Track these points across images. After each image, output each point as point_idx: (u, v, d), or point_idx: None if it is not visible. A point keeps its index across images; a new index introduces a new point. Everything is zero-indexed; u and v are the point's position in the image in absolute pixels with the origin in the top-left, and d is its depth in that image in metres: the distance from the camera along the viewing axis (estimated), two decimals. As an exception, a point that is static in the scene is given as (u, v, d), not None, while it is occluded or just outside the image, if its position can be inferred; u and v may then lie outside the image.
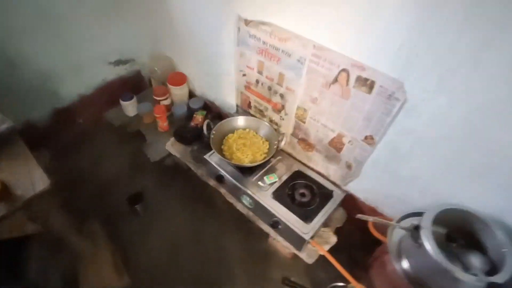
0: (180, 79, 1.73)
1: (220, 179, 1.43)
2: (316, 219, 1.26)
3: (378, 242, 1.35)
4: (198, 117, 1.72)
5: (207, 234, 1.47)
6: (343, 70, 1.04)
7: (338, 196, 1.35)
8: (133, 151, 1.71)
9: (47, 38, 1.48)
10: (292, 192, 1.36)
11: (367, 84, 1.00)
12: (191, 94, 1.83)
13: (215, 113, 1.75)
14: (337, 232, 1.35)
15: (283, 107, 1.35)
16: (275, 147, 1.39)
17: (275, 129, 1.46)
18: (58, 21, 1.48)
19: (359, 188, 1.34)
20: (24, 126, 1.63)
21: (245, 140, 1.47)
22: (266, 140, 1.49)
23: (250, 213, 1.41)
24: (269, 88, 1.35)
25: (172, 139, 1.67)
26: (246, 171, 1.40)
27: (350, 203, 1.37)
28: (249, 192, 1.34)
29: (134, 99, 1.77)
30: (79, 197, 1.53)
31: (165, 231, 1.47)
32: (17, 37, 1.40)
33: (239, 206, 1.45)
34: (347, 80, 1.05)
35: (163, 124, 1.70)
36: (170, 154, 1.64)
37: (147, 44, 1.84)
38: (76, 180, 1.59)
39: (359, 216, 1.00)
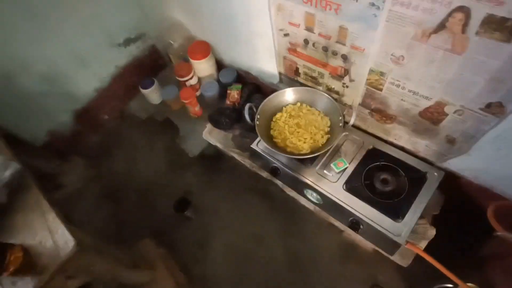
0: (203, 49, 1.38)
1: (274, 172, 1.17)
2: (410, 214, 0.97)
3: (490, 230, 1.04)
4: (233, 93, 1.40)
5: (270, 234, 1.28)
6: (459, 9, 0.63)
7: (434, 178, 1.02)
8: (168, 146, 1.49)
9: (35, 36, 1.20)
10: (371, 179, 1.06)
11: (505, 27, 0.60)
12: (220, 65, 1.49)
13: (253, 86, 1.42)
14: (434, 221, 1.06)
15: (346, 71, 0.98)
16: (340, 124, 1.06)
17: (336, 100, 1.11)
18: (43, 12, 1.18)
19: (466, 167, 0.99)
20: (50, 138, 1.47)
21: (298, 118, 1.15)
22: (326, 115, 1.16)
23: (318, 209, 1.16)
24: (325, 49, 0.97)
25: (209, 125, 1.41)
26: (307, 159, 1.11)
27: (449, 182, 1.04)
28: (314, 185, 1.07)
29: (156, 84, 1.48)
30: (123, 209, 1.40)
31: (223, 235, 1.30)
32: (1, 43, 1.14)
33: (302, 200, 1.20)
34: (465, 25, 0.64)
35: (194, 109, 1.42)
36: (210, 144, 1.39)
37: (153, 10, 1.48)
38: (115, 189, 1.45)
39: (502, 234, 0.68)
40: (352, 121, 1.01)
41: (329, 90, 1.12)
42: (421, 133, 0.98)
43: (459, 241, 1.07)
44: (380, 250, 1.04)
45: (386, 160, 1.09)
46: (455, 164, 1.01)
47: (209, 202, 1.38)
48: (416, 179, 1.03)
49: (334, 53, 0.95)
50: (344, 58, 0.94)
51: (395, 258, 1.02)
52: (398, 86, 0.88)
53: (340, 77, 1.02)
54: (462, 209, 1.11)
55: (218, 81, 1.45)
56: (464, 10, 0.62)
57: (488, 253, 1.02)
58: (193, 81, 1.44)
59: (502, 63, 0.66)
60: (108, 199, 1.43)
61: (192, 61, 1.40)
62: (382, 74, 0.88)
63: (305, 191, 1.13)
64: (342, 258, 1.17)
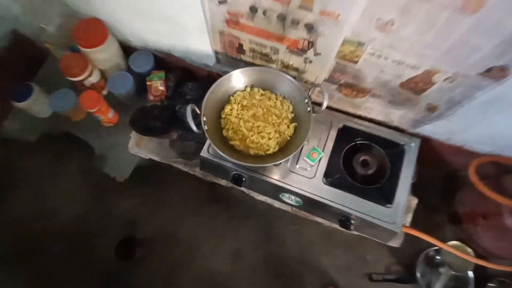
0: (97, 31, 0.97)
1: (238, 180, 0.94)
2: (399, 195, 0.88)
3: (467, 187, 1.04)
4: (156, 84, 1.06)
5: (246, 245, 1.09)
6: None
7: (412, 148, 0.93)
8: (84, 171, 1.11)
9: None
10: (350, 164, 0.93)
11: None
12: (127, 50, 1.10)
13: (181, 71, 1.09)
14: (413, 189, 1.01)
15: (310, 44, 0.76)
16: (308, 108, 0.86)
17: (295, 78, 0.89)
18: None
19: (440, 130, 0.92)
20: None
21: (254, 108, 0.91)
22: (285, 99, 0.94)
23: (301, 212, 1.00)
24: (281, 18, 0.71)
25: (133, 134, 1.06)
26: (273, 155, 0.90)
27: (421, 147, 0.97)
28: (290, 187, 0.89)
29: (36, 92, 1.02)
30: (43, 268, 1.02)
31: (192, 263, 1.07)
32: None
33: (277, 204, 1.02)
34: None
35: (107, 116, 1.04)
36: (143, 158, 1.06)
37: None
38: (25, 243, 1.05)
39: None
40: (325, 103, 0.81)
41: (286, 67, 0.89)
42: (398, 104, 0.86)
43: (438, 203, 1.06)
44: (374, 239, 0.96)
45: (361, 137, 0.96)
46: (428, 129, 0.93)
47: (162, 227, 1.10)
48: (395, 153, 0.94)
49: (295, 23, 0.70)
50: (309, 28, 0.70)
51: (389, 242, 0.96)
52: (379, 57, 0.71)
53: (301, 52, 0.79)
54: (434, 171, 1.08)
55: (130, 71, 1.07)
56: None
57: (468, 210, 1.03)
58: (94, 78, 1.03)
59: (524, 20, 0.52)
60: (19, 260, 1.03)
61: (84, 50, 0.98)
62: (360, 44, 0.69)
63: (280, 195, 0.95)
64: (328, 249, 1.08)
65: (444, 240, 1.03)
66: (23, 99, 0.99)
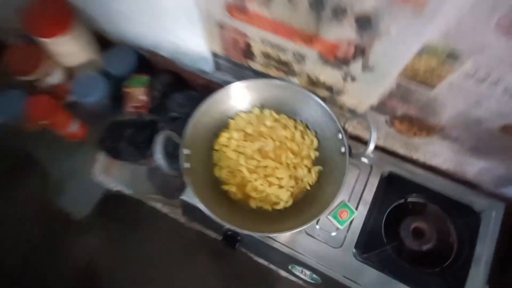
0: (58, 13, 0.71)
1: (231, 240, 0.65)
2: (470, 285, 0.57)
3: None
4: (136, 93, 0.80)
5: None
6: None
7: (492, 217, 0.62)
8: (36, 201, 0.84)
9: None
10: (396, 232, 0.63)
11: None
12: (104, 44, 0.83)
13: (170, 76, 0.82)
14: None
15: (359, 51, 0.46)
16: (341, 148, 0.57)
17: (325, 100, 0.60)
18: None
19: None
20: None
21: (263, 140, 0.62)
22: (308, 129, 0.65)
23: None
24: (316, 4, 0.42)
25: (102, 157, 0.80)
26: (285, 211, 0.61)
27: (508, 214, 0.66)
28: (304, 259, 0.60)
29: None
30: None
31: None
32: None
33: (284, 273, 0.73)
34: None
35: (66, 130, 0.78)
36: (109, 190, 0.79)
37: None
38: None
39: None
40: (372, 145, 0.51)
41: (313, 84, 0.60)
42: (486, 153, 0.55)
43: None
44: None
45: (415, 193, 0.65)
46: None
47: (132, 282, 0.82)
48: (466, 223, 0.63)
49: (338, 12, 0.42)
50: (363, 22, 0.41)
51: None
52: (482, 81, 0.41)
53: (342, 62, 0.50)
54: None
55: (105, 72, 0.81)
56: None
57: None
58: (54, 79, 0.78)
59: None
60: None
61: (43, 40, 0.72)
62: (453, 56, 0.39)
63: (289, 267, 0.66)
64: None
65: None
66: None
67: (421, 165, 0.67)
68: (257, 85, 0.62)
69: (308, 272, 0.63)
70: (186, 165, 0.55)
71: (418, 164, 0.67)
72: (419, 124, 0.56)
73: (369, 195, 0.65)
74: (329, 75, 0.55)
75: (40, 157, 0.81)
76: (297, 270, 0.65)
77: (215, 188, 0.61)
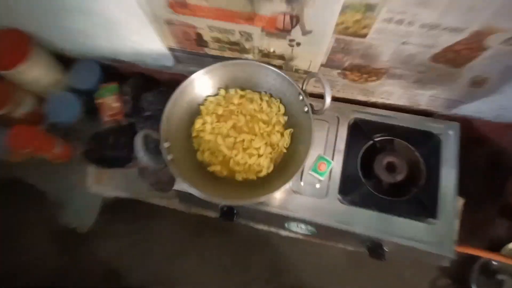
0: (15, 43, 0.73)
1: (229, 214, 0.72)
2: (443, 202, 0.66)
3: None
4: (108, 102, 0.83)
5: (255, 281, 0.89)
6: None
7: (450, 137, 0.70)
8: (42, 224, 0.90)
9: None
10: (371, 171, 0.70)
11: None
12: (64, 62, 0.85)
13: (138, 78, 0.85)
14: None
15: (295, 20, 0.51)
16: (304, 108, 0.63)
17: (281, 68, 0.66)
18: None
19: (486, 108, 0.68)
20: None
21: (234, 117, 0.68)
22: (273, 98, 0.70)
23: (315, 240, 0.79)
24: (244, -13, 0.47)
25: (91, 169, 0.84)
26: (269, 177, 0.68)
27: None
28: (296, 215, 0.67)
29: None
30: None
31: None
32: None
33: (284, 232, 0.81)
34: None
35: (52, 153, 0.82)
36: (107, 198, 0.85)
37: None
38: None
39: None
40: (328, 98, 0.57)
41: (267, 56, 0.65)
42: (429, 82, 0.62)
43: (484, 197, 0.83)
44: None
45: (380, 132, 0.72)
46: (469, 108, 0.69)
47: (153, 273, 0.90)
48: (429, 147, 0.70)
49: (266, -9, 0.46)
50: (289, -4, 0.46)
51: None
52: (400, 22, 0.46)
53: (284, 32, 0.55)
54: (476, 158, 0.85)
55: (74, 89, 0.84)
56: None
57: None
58: (25, 108, 0.80)
59: None
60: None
61: (5, 72, 0.74)
62: (369, 8, 0.44)
63: (286, 225, 0.73)
64: (356, 271, 0.87)
65: (499, 241, 0.83)
66: None
67: (381, 106, 0.73)
68: (216, 69, 0.67)
69: (303, 226, 0.71)
70: (169, 157, 0.60)
71: (378, 106, 0.73)
72: (366, 71, 0.62)
73: (341, 144, 0.72)
74: (277, 45, 0.60)
75: (34, 183, 0.85)
76: (293, 226, 0.72)
77: (201, 172, 0.66)
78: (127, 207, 0.86)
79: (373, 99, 0.73)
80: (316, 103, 0.63)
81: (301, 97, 0.63)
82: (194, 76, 0.65)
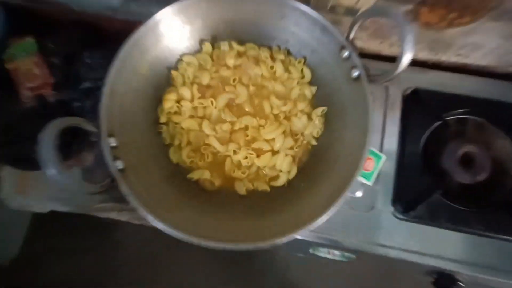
0: None
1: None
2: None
3: None
4: (26, 67, 0.53)
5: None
6: None
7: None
8: None
9: None
10: (436, 167, 0.46)
11: None
12: None
13: (72, 30, 0.54)
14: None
15: None
16: (355, 72, 0.36)
17: (308, 1, 0.38)
18: None
19: None
20: None
21: (229, 90, 0.40)
22: (291, 56, 0.43)
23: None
24: None
25: (8, 173, 0.55)
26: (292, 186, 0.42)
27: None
28: (326, 237, 0.44)
29: None
30: None
31: None
32: None
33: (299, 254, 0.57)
34: None
35: None
36: (38, 214, 0.57)
37: None
38: None
39: None
40: (406, 59, 0.31)
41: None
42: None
43: None
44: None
45: (452, 108, 0.48)
46: None
47: None
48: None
49: None
50: None
51: None
52: None
53: None
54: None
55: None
56: None
57: None
58: None
59: None
60: None
61: None
62: None
63: (311, 251, 0.49)
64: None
65: None
66: None
67: (453, 68, 0.48)
68: (196, 5, 0.38)
69: (337, 252, 0.47)
70: (118, 164, 0.33)
71: (449, 69, 0.48)
72: (463, 4, 0.35)
73: (393, 127, 0.47)
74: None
75: None
76: (323, 252, 0.49)
77: (177, 183, 0.40)
78: (70, 224, 0.58)
79: (443, 57, 0.47)
80: (372, 64, 0.37)
81: (345, 53, 0.36)
82: (157, 16, 0.37)
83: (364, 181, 0.44)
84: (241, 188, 0.40)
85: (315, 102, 0.42)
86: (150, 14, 0.37)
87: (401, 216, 0.44)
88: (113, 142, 0.34)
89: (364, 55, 0.45)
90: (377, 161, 0.45)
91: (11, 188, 0.55)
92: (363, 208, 0.44)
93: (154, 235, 0.65)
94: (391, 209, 0.44)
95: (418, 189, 0.44)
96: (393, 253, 0.43)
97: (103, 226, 0.67)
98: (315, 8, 0.37)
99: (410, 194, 0.44)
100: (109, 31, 0.57)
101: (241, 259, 0.69)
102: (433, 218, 0.44)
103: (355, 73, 0.36)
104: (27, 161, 0.54)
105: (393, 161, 0.46)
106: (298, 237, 0.43)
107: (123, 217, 0.57)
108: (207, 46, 0.42)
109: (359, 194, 0.45)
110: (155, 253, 0.69)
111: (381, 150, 0.46)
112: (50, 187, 0.57)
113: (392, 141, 0.46)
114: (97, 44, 0.55)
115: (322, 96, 0.42)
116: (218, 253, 0.69)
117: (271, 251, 0.60)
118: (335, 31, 0.36)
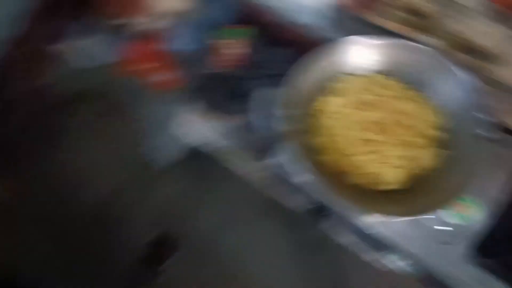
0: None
1: (319, 212, 0.60)
2: None
3: None
4: (233, 45, 0.75)
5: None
6: None
7: None
8: (123, 144, 0.89)
9: None
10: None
11: None
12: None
13: (269, 31, 0.75)
14: None
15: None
16: (478, 132, 0.46)
17: (473, 70, 0.49)
18: None
19: None
20: None
21: (380, 111, 0.54)
22: (434, 103, 0.55)
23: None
24: None
25: (196, 108, 0.78)
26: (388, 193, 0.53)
27: None
28: (403, 245, 0.53)
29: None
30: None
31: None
32: None
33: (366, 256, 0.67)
34: None
35: (157, 76, 0.78)
36: (191, 144, 0.79)
37: None
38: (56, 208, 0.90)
39: None
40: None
41: (456, 46, 0.49)
42: None
43: None
44: None
45: None
46: None
47: (203, 232, 0.85)
48: None
49: None
50: None
51: None
52: None
53: None
54: None
55: (202, 21, 0.77)
56: None
57: None
58: (147, 24, 0.76)
59: None
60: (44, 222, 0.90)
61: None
62: None
63: (384, 253, 0.59)
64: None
65: None
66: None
67: None
68: (383, 46, 0.53)
69: (403, 263, 0.56)
70: (286, 127, 0.50)
71: None
72: None
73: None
74: (487, 33, 0.43)
75: (127, 103, 0.83)
76: (390, 257, 0.58)
77: (309, 158, 0.55)
78: (206, 161, 0.79)
79: None
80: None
81: (480, 114, 0.47)
82: (351, 41, 0.53)
83: (455, 219, 0.52)
84: (354, 180, 0.52)
85: (438, 142, 0.52)
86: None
87: (476, 262, 0.50)
88: (287, 112, 0.51)
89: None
90: (475, 210, 0.52)
91: (186, 120, 0.77)
92: (446, 239, 0.52)
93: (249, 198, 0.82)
94: (471, 253, 0.51)
95: (502, 246, 0.49)
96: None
97: (217, 178, 0.87)
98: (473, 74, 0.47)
99: (493, 247, 0.50)
100: (292, 38, 0.77)
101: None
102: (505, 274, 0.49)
103: (480, 132, 0.45)
104: (213, 104, 0.76)
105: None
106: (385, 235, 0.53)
107: (240, 171, 0.74)
108: (377, 76, 0.56)
109: (450, 232, 0.52)
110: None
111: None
112: (209, 130, 0.78)
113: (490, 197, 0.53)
114: (279, 44, 0.75)
115: (448, 139, 0.51)
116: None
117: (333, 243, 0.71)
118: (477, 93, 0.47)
